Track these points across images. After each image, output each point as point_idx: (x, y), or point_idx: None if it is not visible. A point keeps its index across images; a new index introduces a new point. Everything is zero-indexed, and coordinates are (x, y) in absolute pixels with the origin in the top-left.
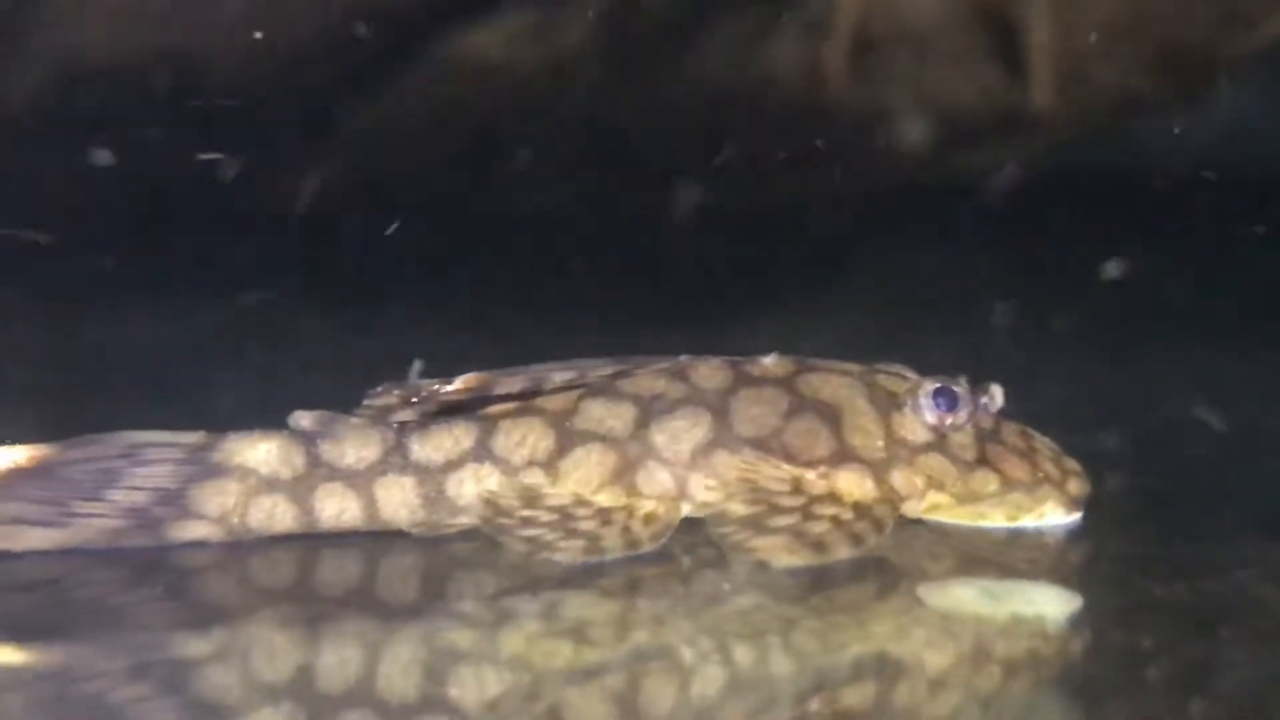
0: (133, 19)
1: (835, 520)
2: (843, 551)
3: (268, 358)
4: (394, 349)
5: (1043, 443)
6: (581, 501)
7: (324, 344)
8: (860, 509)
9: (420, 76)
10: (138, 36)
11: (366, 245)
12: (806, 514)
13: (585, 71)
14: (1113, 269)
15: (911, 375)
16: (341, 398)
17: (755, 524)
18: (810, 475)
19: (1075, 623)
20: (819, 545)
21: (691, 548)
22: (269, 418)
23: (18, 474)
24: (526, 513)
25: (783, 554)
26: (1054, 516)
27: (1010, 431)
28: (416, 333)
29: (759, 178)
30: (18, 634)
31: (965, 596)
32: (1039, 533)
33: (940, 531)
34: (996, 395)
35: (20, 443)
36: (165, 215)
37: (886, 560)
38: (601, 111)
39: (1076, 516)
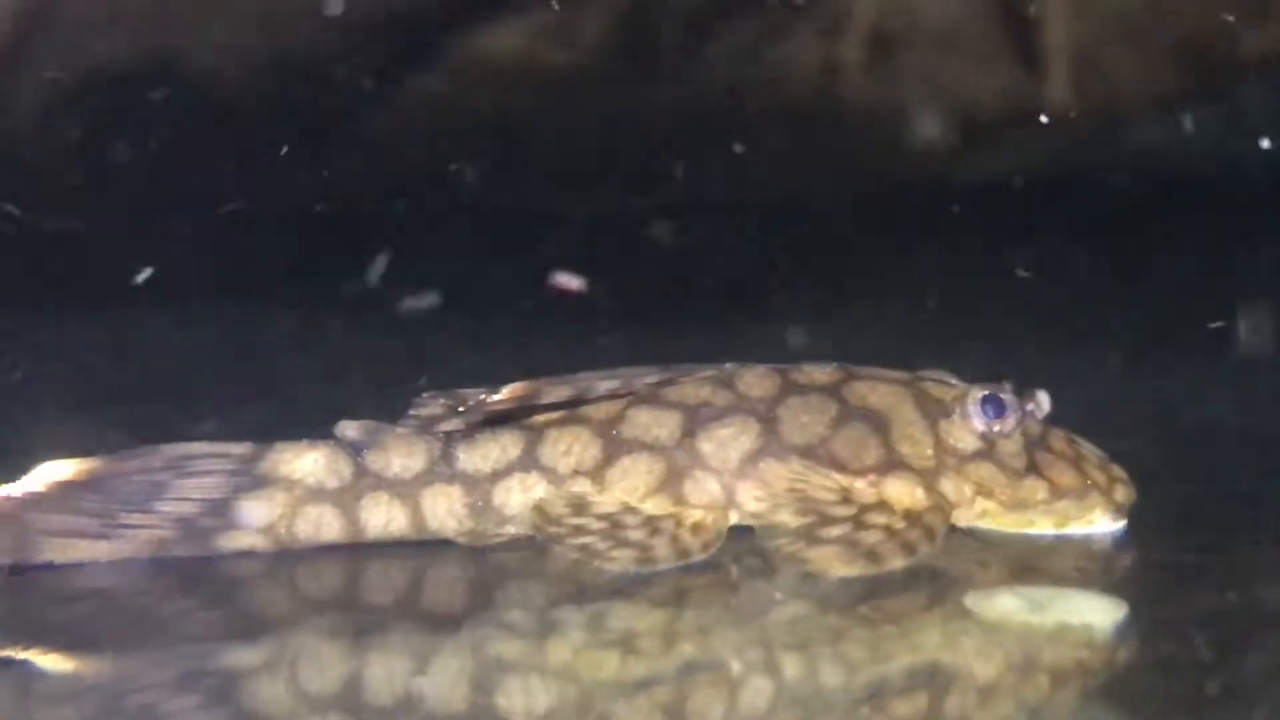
0: (144, 17)
1: (888, 530)
2: (896, 561)
3: (285, 362)
4: (410, 351)
5: (1089, 449)
6: (629, 510)
7: (340, 347)
8: (911, 518)
9: (438, 76)
10: (150, 34)
11: (382, 245)
12: (858, 524)
13: (603, 69)
14: (1023, 270)
15: (956, 382)
16: (356, 405)
17: (807, 535)
18: (859, 484)
19: (1123, 632)
20: (872, 555)
21: (738, 557)
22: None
23: (67, 487)
24: (576, 521)
25: (836, 565)
26: (1101, 524)
27: (1057, 438)
28: (430, 333)
29: (775, 175)
30: (67, 644)
31: (1012, 606)
32: (1086, 540)
33: (987, 540)
34: (1043, 401)
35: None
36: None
37: (934, 569)
38: (619, 109)
39: (1122, 523)
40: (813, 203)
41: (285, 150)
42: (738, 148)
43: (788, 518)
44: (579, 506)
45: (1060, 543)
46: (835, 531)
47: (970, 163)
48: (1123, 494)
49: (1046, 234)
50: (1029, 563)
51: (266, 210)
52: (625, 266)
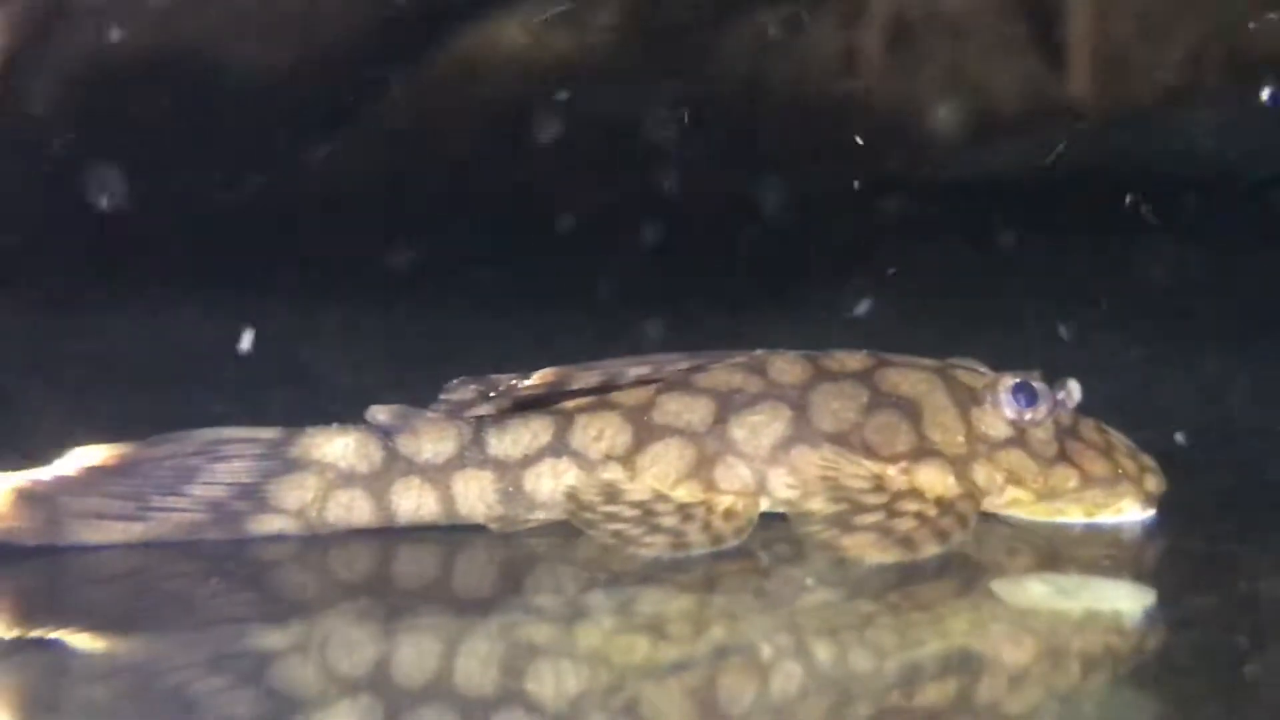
0: (156, 8)
1: (920, 517)
2: (930, 548)
3: (300, 353)
4: (419, 342)
5: (1119, 438)
6: (660, 497)
7: (352, 339)
8: (943, 505)
9: (444, 67)
10: (162, 25)
11: (391, 237)
12: (891, 511)
13: (615, 61)
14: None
15: (986, 370)
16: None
17: (840, 522)
18: (891, 471)
19: (1153, 619)
20: (907, 542)
21: (768, 544)
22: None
23: (101, 471)
24: (608, 509)
25: (871, 551)
26: (1131, 513)
27: (1088, 427)
28: (441, 324)
29: (793, 168)
30: (100, 625)
31: (1040, 592)
32: (1116, 529)
33: (1016, 527)
34: (1074, 391)
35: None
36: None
37: (964, 556)
38: (631, 101)
39: (1151, 513)
40: (830, 194)
41: (294, 139)
42: (753, 139)
43: (820, 504)
44: (611, 494)
45: (1090, 531)
46: (868, 519)
47: (988, 154)
48: (1153, 483)
49: (1063, 225)
50: (1059, 550)
51: (277, 198)
52: (636, 258)
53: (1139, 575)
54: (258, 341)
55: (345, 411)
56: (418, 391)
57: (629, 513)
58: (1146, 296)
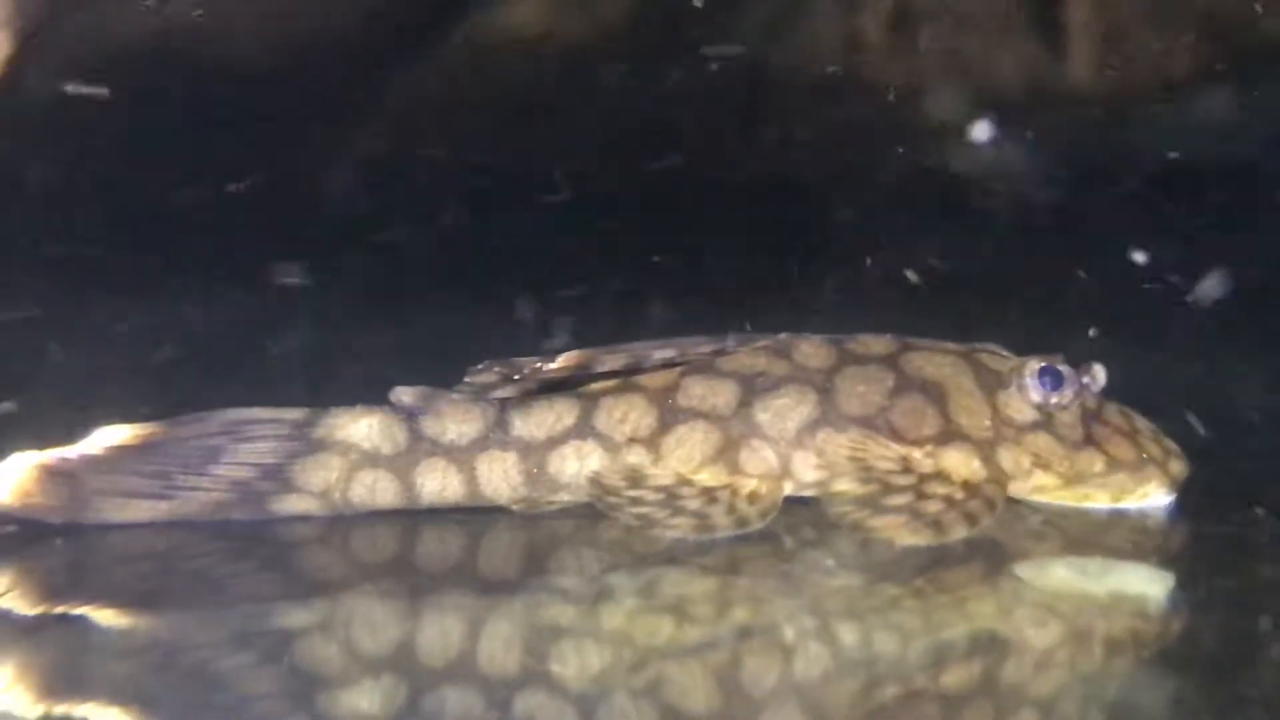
0: None
1: (948, 500)
2: (959, 532)
3: (313, 342)
4: (430, 332)
5: (1142, 422)
6: (685, 481)
7: (359, 330)
8: (970, 489)
9: (459, 48)
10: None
11: (406, 222)
12: (919, 493)
13: (625, 43)
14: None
15: (1008, 354)
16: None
17: (871, 503)
18: (917, 454)
19: (1177, 603)
20: (937, 525)
21: (791, 528)
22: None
23: (126, 450)
24: (633, 492)
25: (904, 534)
26: (1155, 497)
27: (1112, 411)
28: (448, 312)
29: (796, 151)
30: (125, 603)
31: (1064, 576)
32: (1139, 513)
33: (1040, 511)
34: (1099, 375)
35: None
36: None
37: (987, 540)
38: (641, 83)
39: (1172, 497)
40: (832, 179)
41: (304, 125)
42: (758, 122)
43: (849, 486)
44: (635, 478)
45: (1114, 516)
46: (898, 500)
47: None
48: (1177, 467)
49: (1070, 214)
50: (1083, 534)
51: (292, 183)
52: (645, 241)
53: (1162, 560)
54: (267, 328)
55: (355, 399)
56: (428, 380)
57: (653, 496)
58: (1157, 286)
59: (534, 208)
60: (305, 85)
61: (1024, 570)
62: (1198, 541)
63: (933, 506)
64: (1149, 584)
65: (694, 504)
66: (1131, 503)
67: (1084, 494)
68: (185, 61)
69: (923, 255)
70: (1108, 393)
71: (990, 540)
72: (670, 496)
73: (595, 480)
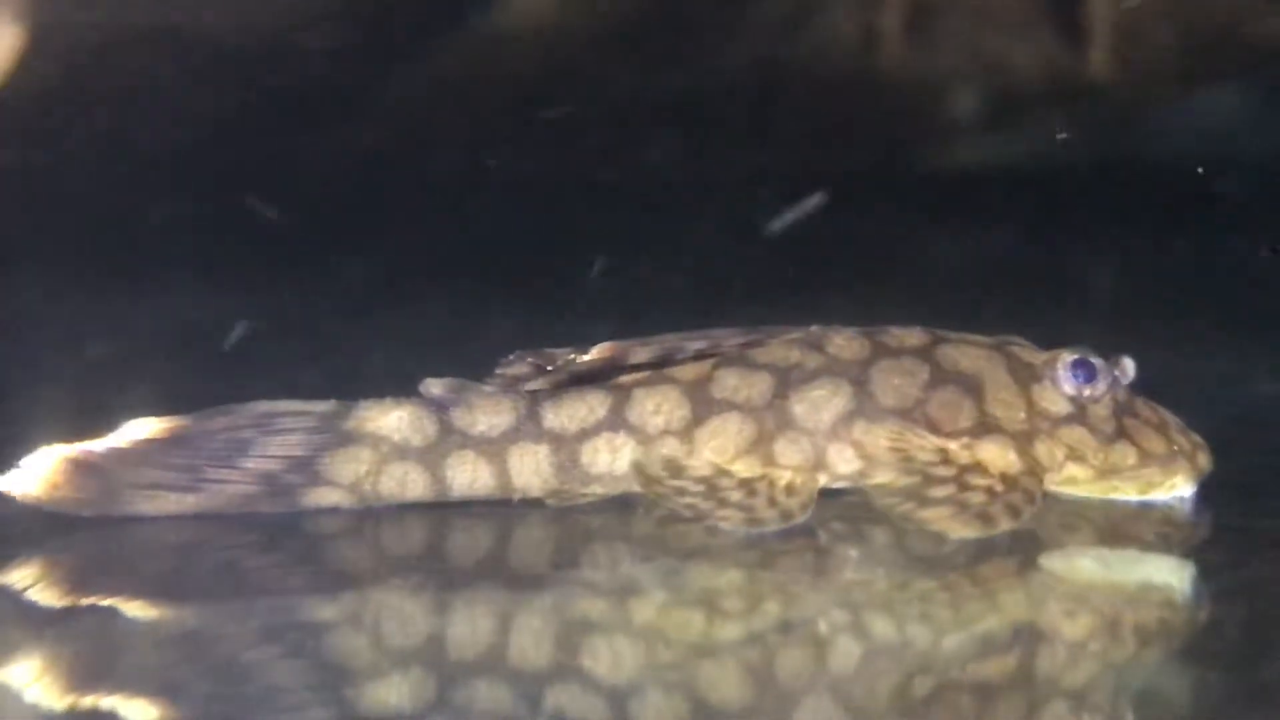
0: None
1: (989, 492)
2: (1005, 523)
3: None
4: (436, 322)
5: (1170, 416)
6: (722, 472)
7: (369, 318)
8: (1009, 481)
9: (470, 40)
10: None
11: (411, 214)
12: (961, 485)
13: (637, 37)
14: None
15: (1034, 347)
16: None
17: (916, 495)
18: (954, 446)
19: (1204, 593)
20: (984, 517)
21: (822, 520)
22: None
23: (156, 443)
24: (675, 483)
25: (955, 525)
26: (1183, 489)
27: (1141, 404)
28: (453, 304)
29: (813, 146)
30: (154, 595)
31: (1091, 567)
32: (1167, 505)
33: (1069, 503)
34: (1128, 368)
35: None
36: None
37: (1017, 532)
38: (653, 78)
39: (1193, 489)
40: (850, 174)
41: (313, 117)
42: (774, 116)
43: (891, 477)
44: (674, 469)
45: (1140, 507)
46: (941, 492)
47: (1010, 135)
48: (1205, 460)
49: (1084, 210)
50: (1112, 526)
51: (298, 176)
52: (658, 234)
53: (1191, 551)
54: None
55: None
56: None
57: (695, 487)
58: (1168, 280)
59: None
60: (313, 75)
61: (1054, 562)
62: (1221, 532)
63: (976, 498)
64: (1175, 574)
65: (735, 496)
66: (1160, 495)
67: (1112, 486)
68: (189, 50)
69: None
70: None
71: (1020, 533)
72: (710, 488)
73: (638, 467)
